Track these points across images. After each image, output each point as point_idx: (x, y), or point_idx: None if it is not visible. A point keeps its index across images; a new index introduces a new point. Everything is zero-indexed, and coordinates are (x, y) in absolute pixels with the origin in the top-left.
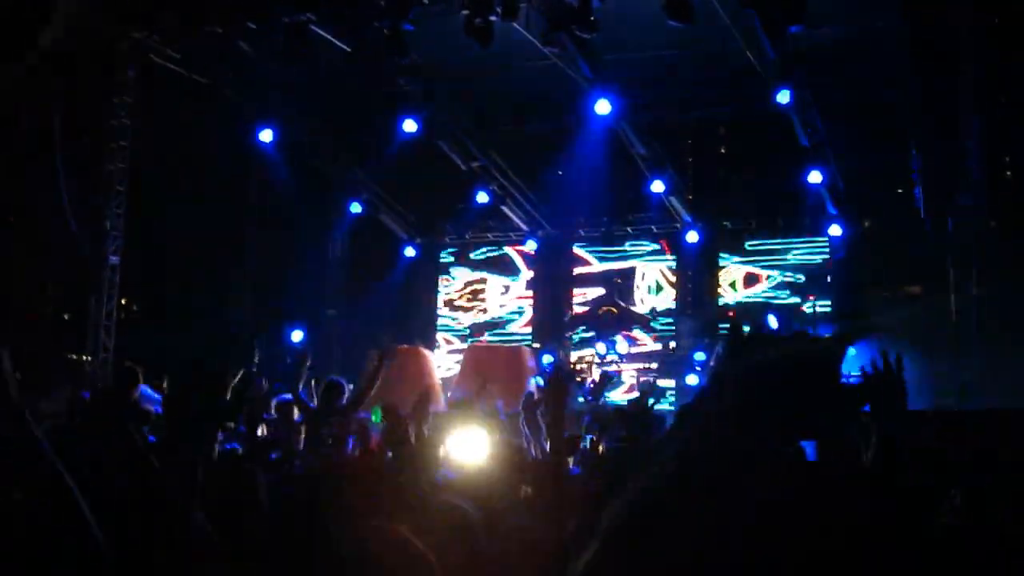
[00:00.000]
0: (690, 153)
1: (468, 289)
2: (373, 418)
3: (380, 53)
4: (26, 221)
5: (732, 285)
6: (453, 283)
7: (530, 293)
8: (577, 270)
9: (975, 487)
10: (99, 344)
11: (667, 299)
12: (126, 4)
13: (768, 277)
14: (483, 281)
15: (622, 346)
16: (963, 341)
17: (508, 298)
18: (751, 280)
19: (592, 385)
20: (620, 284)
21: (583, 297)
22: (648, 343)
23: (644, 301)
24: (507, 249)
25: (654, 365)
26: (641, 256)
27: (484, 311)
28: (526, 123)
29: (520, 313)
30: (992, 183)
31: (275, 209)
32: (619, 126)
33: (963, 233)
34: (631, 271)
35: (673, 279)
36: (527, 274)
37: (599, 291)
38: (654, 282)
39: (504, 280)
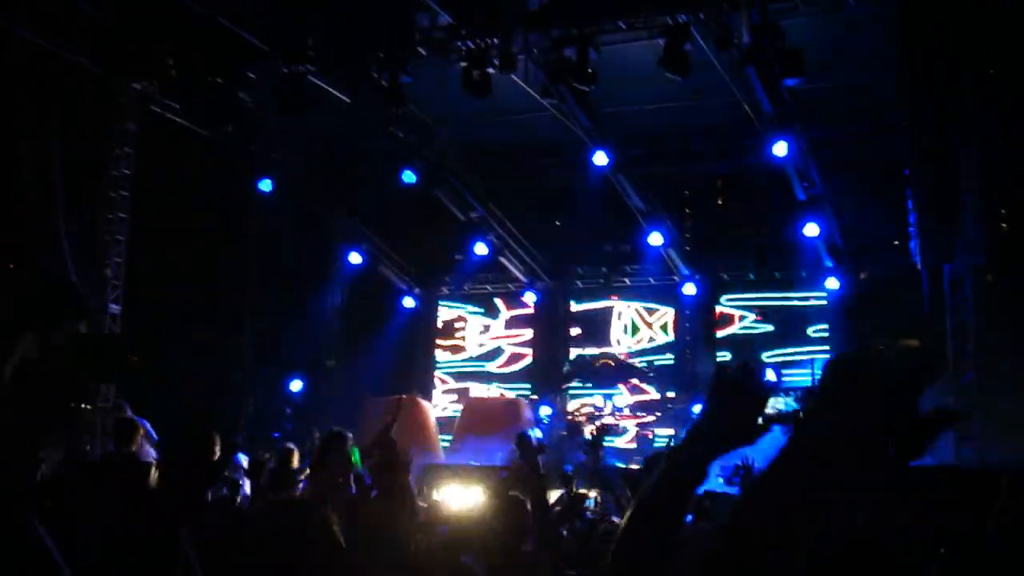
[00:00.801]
0: (688, 205)
1: (446, 328)
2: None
3: (379, 104)
4: (26, 269)
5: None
6: (435, 334)
7: (511, 333)
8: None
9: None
10: (99, 392)
11: (643, 340)
12: (127, 56)
13: (741, 318)
14: (462, 320)
15: (621, 399)
16: (962, 394)
17: (486, 337)
18: (725, 320)
19: (591, 437)
20: (597, 324)
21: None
22: (651, 393)
23: (620, 341)
24: (497, 300)
25: (652, 417)
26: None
27: (462, 349)
28: (524, 174)
29: (500, 352)
30: (990, 236)
31: (275, 258)
32: (616, 178)
33: (960, 287)
34: (607, 311)
35: (650, 319)
36: (506, 314)
37: (575, 330)
38: (630, 321)
39: (484, 320)
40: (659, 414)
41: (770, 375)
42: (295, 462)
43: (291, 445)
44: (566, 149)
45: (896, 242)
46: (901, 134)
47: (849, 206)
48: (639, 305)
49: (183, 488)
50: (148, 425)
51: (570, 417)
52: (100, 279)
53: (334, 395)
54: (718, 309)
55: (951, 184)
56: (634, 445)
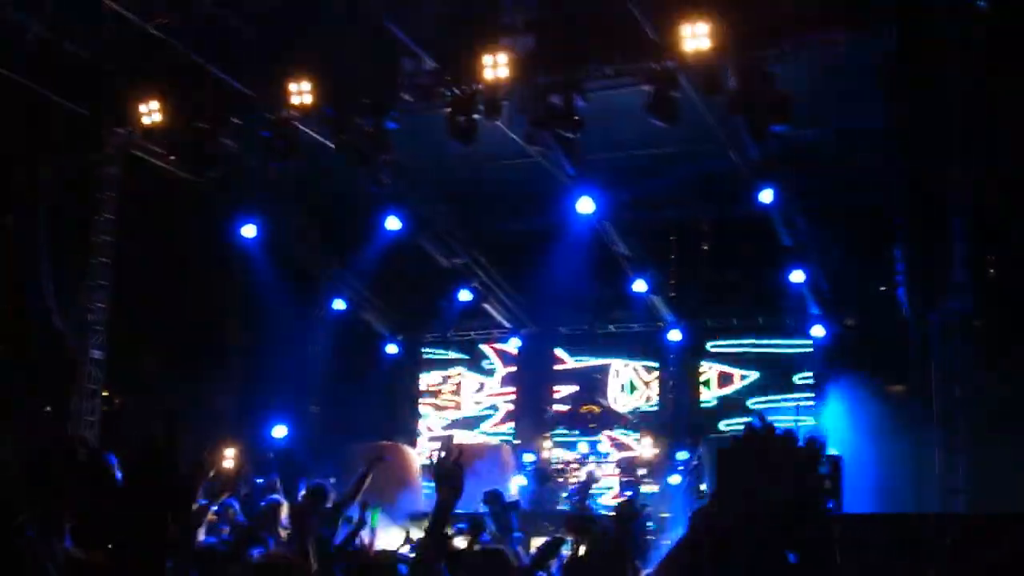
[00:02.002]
0: (673, 251)
1: (444, 383)
2: (371, 522)
3: (363, 151)
4: (12, 318)
5: (706, 384)
6: (428, 376)
7: (505, 390)
8: (554, 367)
9: None
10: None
11: (640, 399)
12: (112, 99)
13: (743, 376)
14: (459, 376)
15: (604, 446)
16: (947, 441)
17: (483, 395)
18: (725, 380)
19: (579, 487)
20: (595, 380)
21: (559, 394)
22: (634, 447)
23: (617, 400)
24: (483, 347)
25: (642, 471)
26: (617, 354)
27: (457, 406)
28: (508, 221)
29: (494, 410)
30: (977, 282)
31: (258, 305)
32: (601, 224)
33: (947, 333)
34: (605, 368)
35: (648, 378)
36: (502, 371)
37: (573, 388)
38: (628, 381)
39: (479, 378)
40: (644, 472)
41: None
42: (283, 515)
43: (279, 498)
44: (551, 195)
45: (883, 288)
46: (888, 181)
47: (835, 253)
48: (637, 364)
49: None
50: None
51: (543, 464)
52: (83, 324)
53: (318, 441)
54: (716, 367)
55: (938, 231)
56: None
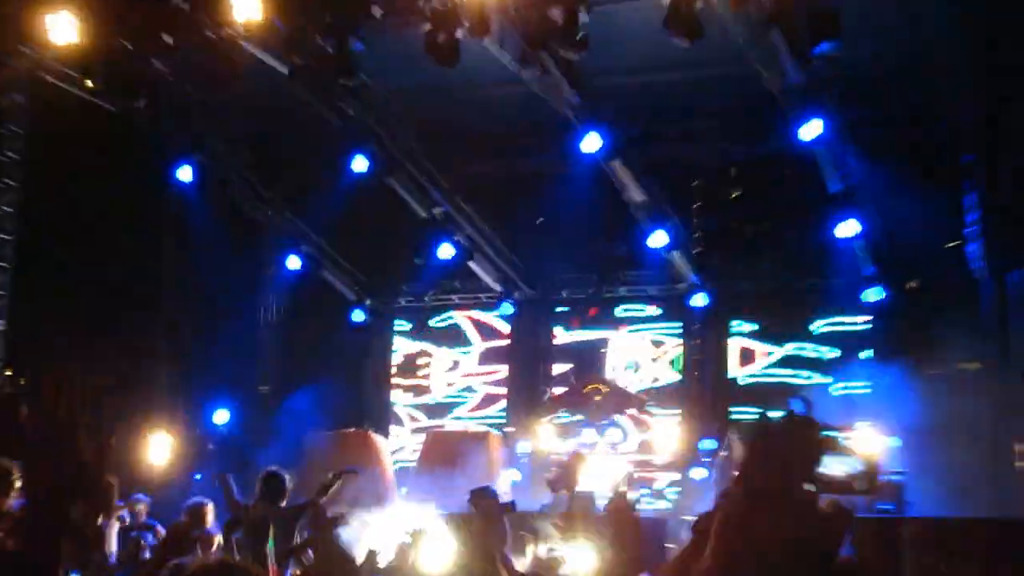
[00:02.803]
0: (697, 198)
1: (408, 363)
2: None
3: (323, 76)
4: None
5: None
6: (391, 355)
7: (484, 369)
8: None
9: None
10: None
11: (646, 378)
12: (15, 13)
13: (768, 353)
14: (426, 355)
15: (614, 434)
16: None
17: (455, 375)
18: (745, 357)
19: (558, 470)
20: (595, 355)
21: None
22: (649, 434)
23: (619, 380)
24: (456, 315)
25: (658, 463)
26: (628, 323)
27: (427, 390)
28: (498, 162)
29: (469, 393)
30: None
31: (197, 264)
32: (610, 166)
33: None
34: (602, 343)
35: (657, 354)
36: (480, 347)
37: (565, 366)
38: (632, 357)
39: (452, 353)
40: (662, 459)
41: (795, 407)
42: (208, 521)
43: (203, 500)
44: (549, 131)
45: (952, 243)
46: (960, 112)
47: (894, 200)
48: (643, 336)
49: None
50: None
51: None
52: None
53: (268, 428)
54: (738, 343)
55: (1020, 174)
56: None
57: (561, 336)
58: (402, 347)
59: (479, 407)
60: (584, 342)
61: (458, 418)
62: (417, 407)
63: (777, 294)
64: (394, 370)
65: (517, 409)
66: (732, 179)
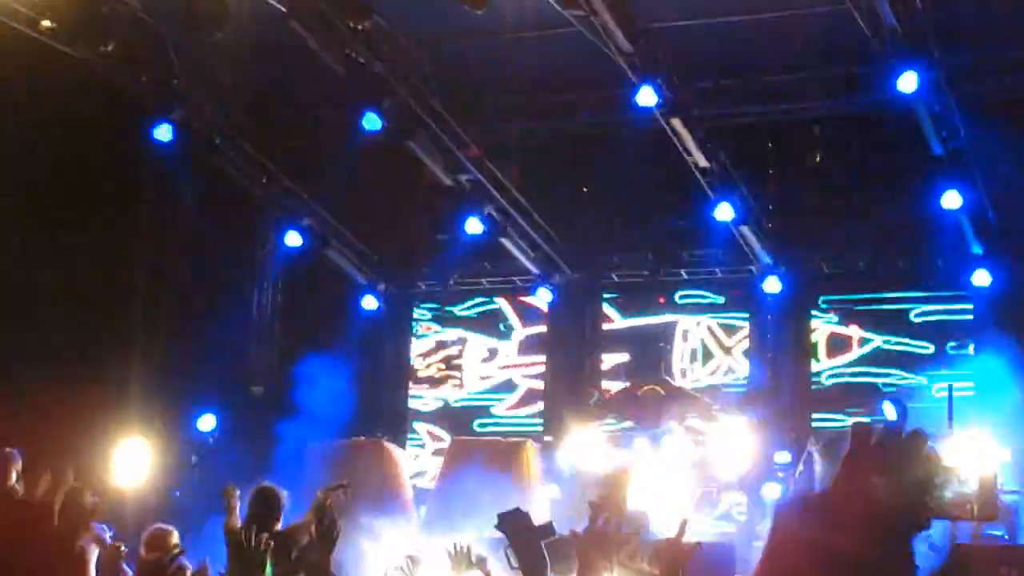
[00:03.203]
0: (772, 163)
1: (439, 354)
2: None
3: (329, 19)
4: None
5: (813, 352)
6: (417, 343)
7: (527, 360)
8: (602, 327)
9: None
10: None
11: (718, 372)
12: None
13: (863, 341)
14: (460, 342)
15: (671, 443)
16: None
17: (493, 367)
18: (837, 344)
19: (601, 490)
20: (655, 348)
21: (605, 368)
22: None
23: (685, 372)
24: (499, 300)
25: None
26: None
27: (459, 385)
28: (537, 120)
29: (510, 389)
30: None
31: (177, 240)
32: (670, 125)
33: None
34: (669, 327)
35: (730, 343)
36: (521, 333)
37: (621, 357)
38: (699, 344)
39: (489, 342)
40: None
41: (888, 411)
42: (171, 544)
43: (164, 527)
44: (597, 83)
45: None
46: None
47: (1008, 167)
48: (713, 321)
49: None
50: None
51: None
52: None
53: (262, 436)
54: (826, 328)
55: None
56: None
57: (617, 321)
58: (433, 335)
59: (521, 404)
60: (645, 327)
61: (497, 419)
62: (443, 408)
63: (867, 278)
64: (416, 361)
65: (557, 413)
66: (814, 141)
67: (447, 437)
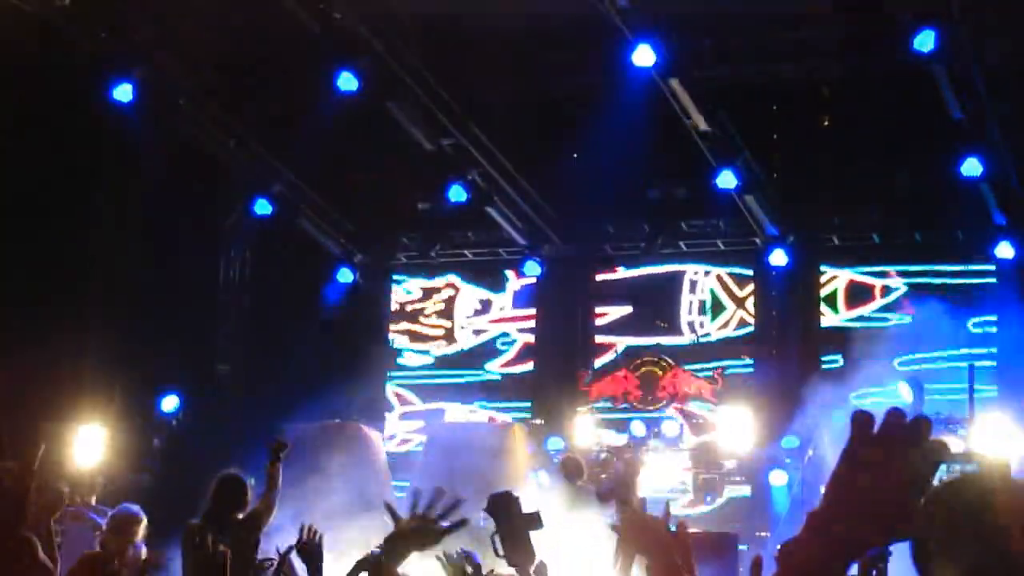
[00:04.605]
0: (777, 129)
1: (428, 302)
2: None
3: None
4: None
5: (831, 302)
6: (398, 290)
7: (522, 313)
8: (599, 277)
9: None
10: None
11: (730, 324)
12: None
13: (886, 289)
14: (451, 288)
15: (670, 427)
16: None
17: (485, 320)
18: (859, 294)
19: (611, 477)
20: (660, 300)
21: (604, 320)
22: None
23: (693, 326)
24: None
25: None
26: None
27: (448, 336)
28: (526, 81)
29: (507, 342)
30: None
31: (139, 208)
32: (668, 86)
33: None
34: (675, 278)
35: (742, 293)
36: (516, 285)
37: (625, 310)
38: (709, 295)
39: (481, 293)
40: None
41: (904, 391)
42: (139, 533)
43: (134, 509)
44: (591, 42)
45: None
46: None
47: None
48: (722, 271)
49: None
50: None
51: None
52: None
53: (229, 418)
54: (845, 275)
55: None
56: (692, 510)
57: (620, 271)
58: (418, 284)
59: (517, 360)
60: (649, 278)
61: (490, 374)
62: (433, 364)
63: (880, 250)
64: (397, 310)
65: (546, 393)
66: (823, 103)
67: (416, 400)
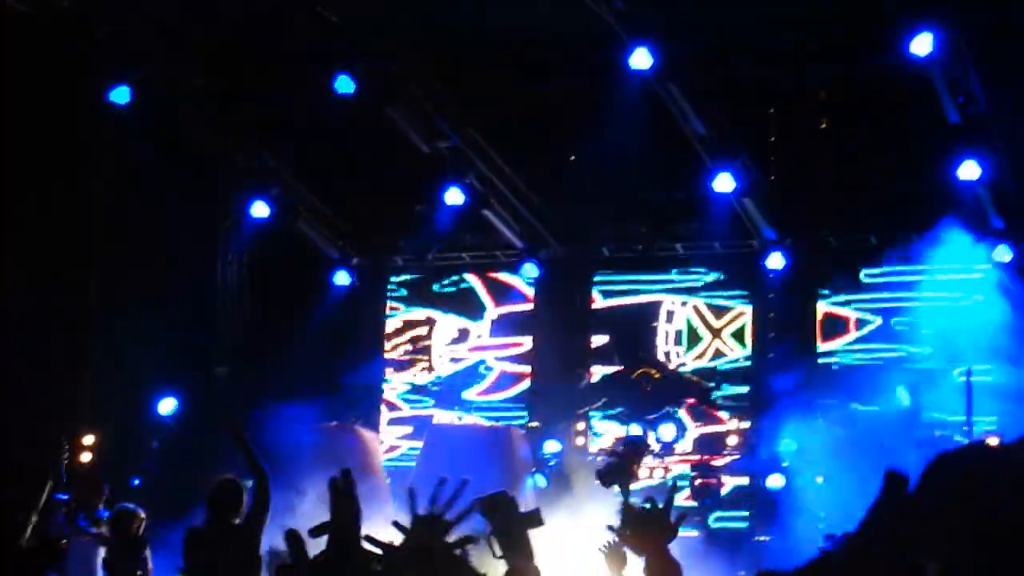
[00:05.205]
0: (775, 131)
1: (406, 335)
2: None
3: None
4: None
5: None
6: (384, 327)
7: (499, 340)
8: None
9: None
10: None
11: (705, 355)
12: None
13: (859, 323)
14: (428, 323)
15: (667, 431)
16: None
17: (463, 348)
18: (833, 327)
19: (610, 459)
20: (633, 329)
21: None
22: (725, 421)
23: (669, 355)
24: (469, 277)
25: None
26: (672, 287)
27: (428, 368)
28: (521, 82)
29: (481, 373)
30: None
31: (136, 211)
32: (665, 89)
33: None
34: (651, 308)
35: (719, 324)
36: (493, 313)
37: (602, 339)
38: (685, 325)
39: (459, 321)
40: (734, 454)
41: (902, 396)
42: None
43: (131, 507)
44: (586, 44)
45: None
46: None
47: None
48: (699, 301)
49: None
50: None
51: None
52: None
53: (226, 420)
54: (821, 308)
55: None
56: (693, 502)
57: (598, 301)
58: (400, 315)
59: (495, 390)
60: (628, 308)
61: (470, 404)
62: (411, 392)
63: (878, 254)
64: (387, 345)
65: (543, 397)
66: (820, 106)
67: (404, 407)
